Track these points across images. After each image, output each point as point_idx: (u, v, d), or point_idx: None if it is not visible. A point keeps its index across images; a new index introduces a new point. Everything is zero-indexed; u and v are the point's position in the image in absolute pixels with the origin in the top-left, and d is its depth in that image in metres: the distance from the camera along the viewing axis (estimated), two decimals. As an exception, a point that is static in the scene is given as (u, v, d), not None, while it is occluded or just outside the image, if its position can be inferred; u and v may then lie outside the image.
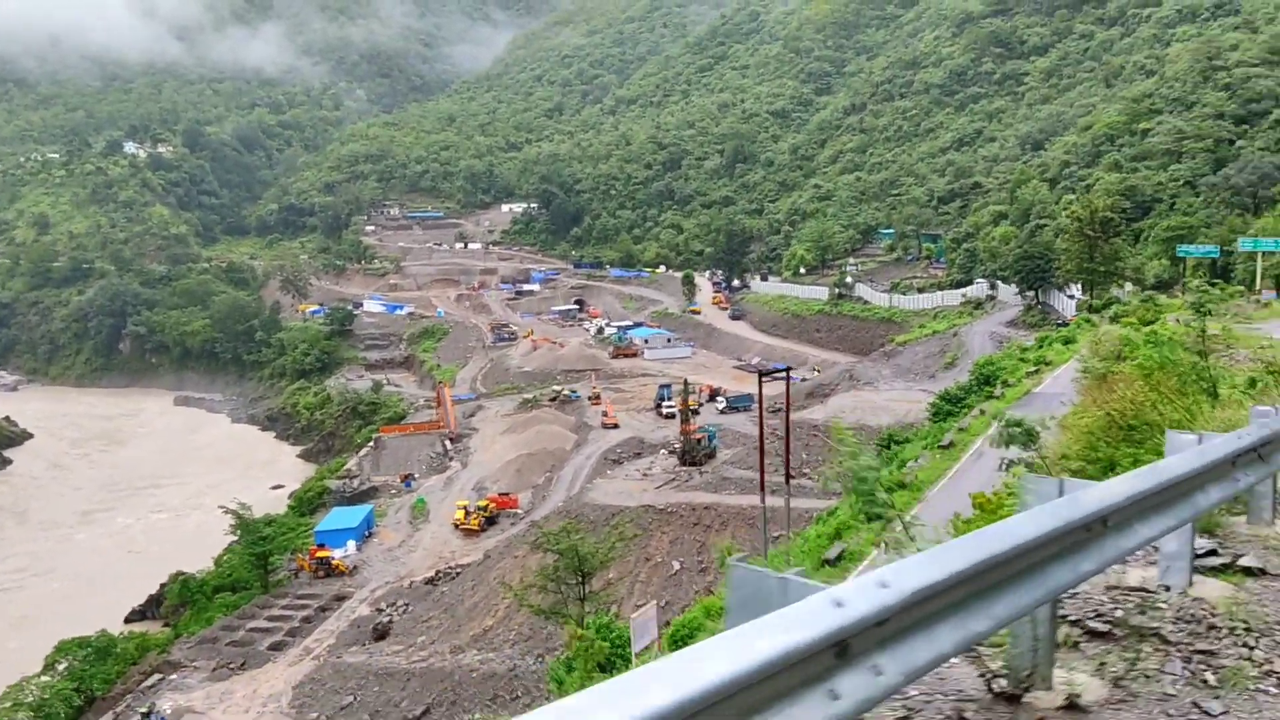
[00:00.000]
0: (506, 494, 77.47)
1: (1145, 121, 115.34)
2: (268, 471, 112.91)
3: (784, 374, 49.86)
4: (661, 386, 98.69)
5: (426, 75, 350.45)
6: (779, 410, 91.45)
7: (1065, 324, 67.50)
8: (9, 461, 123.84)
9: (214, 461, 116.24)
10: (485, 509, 74.25)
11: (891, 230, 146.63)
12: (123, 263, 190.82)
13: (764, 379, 45.10)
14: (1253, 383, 12.76)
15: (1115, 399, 11.83)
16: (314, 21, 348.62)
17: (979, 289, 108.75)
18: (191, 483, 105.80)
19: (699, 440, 67.67)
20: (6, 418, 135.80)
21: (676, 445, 69.93)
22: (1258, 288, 53.96)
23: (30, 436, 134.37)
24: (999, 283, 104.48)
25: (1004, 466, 14.92)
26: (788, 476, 39.23)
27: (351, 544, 70.88)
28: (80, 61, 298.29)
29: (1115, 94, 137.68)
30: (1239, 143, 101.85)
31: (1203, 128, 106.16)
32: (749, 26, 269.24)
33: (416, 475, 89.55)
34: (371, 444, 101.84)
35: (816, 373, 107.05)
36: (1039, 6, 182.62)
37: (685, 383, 79.93)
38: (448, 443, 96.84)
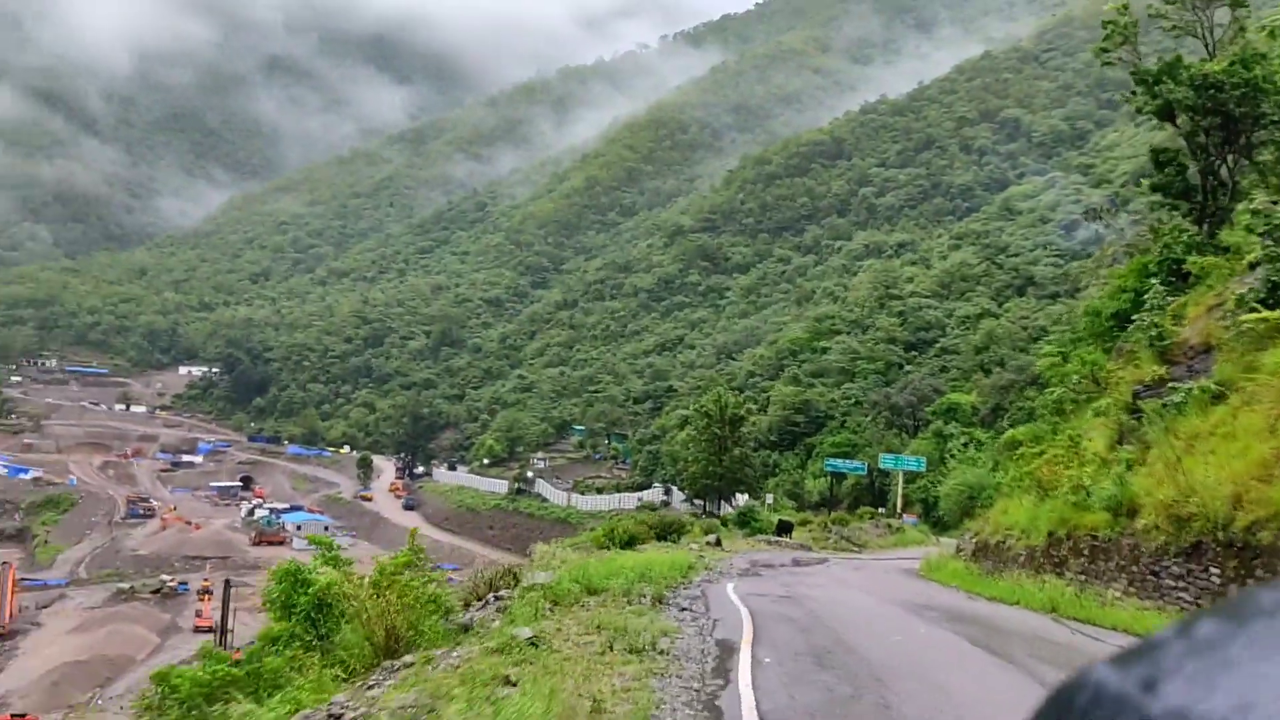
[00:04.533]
0: (22, 715, 59.67)
1: (825, 340, 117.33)
2: None
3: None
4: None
5: (127, 225, 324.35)
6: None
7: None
8: None
9: None
10: (-15, 737, 56.48)
11: (583, 427, 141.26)
12: None
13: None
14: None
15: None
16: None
17: (655, 493, 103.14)
18: None
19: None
20: None
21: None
22: (897, 510, 49.46)
23: None
24: (673, 488, 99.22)
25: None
26: None
27: None
28: None
29: (805, 314, 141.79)
30: (908, 367, 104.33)
31: (875, 350, 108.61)
32: (475, 215, 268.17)
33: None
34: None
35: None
36: (744, 229, 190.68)
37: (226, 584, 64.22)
38: (-10, 642, 76.84)
